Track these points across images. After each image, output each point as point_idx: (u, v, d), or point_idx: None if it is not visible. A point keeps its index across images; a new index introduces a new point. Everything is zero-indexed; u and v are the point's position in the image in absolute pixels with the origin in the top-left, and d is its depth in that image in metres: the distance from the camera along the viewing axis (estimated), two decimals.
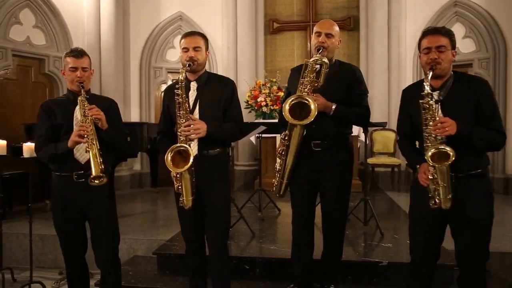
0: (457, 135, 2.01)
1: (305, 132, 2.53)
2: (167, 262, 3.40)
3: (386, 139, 6.86)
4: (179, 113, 2.37)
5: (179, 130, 2.37)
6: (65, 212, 2.51)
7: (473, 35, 6.62)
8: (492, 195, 2.20)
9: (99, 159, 2.32)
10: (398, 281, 3.00)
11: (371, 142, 6.84)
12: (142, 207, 5.67)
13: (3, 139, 3.67)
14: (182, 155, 2.29)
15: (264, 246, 3.56)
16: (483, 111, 2.11)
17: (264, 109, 6.76)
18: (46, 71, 6.24)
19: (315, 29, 2.66)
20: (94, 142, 2.34)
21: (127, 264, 3.57)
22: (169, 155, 2.28)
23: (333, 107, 2.54)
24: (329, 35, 2.61)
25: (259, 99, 6.77)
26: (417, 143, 2.34)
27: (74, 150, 2.43)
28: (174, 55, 7.47)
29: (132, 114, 7.28)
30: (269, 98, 6.74)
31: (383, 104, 6.95)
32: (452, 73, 2.19)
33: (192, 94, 2.49)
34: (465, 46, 6.59)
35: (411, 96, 2.29)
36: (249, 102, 6.88)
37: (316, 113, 2.40)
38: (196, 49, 2.44)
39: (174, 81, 2.51)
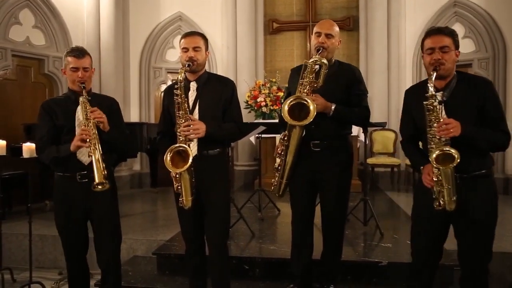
0: (462, 136, 2.00)
1: (304, 133, 2.53)
2: (166, 262, 3.39)
3: (385, 139, 6.86)
4: (179, 113, 2.36)
5: (178, 130, 2.37)
6: (68, 212, 2.50)
7: (472, 35, 6.63)
8: (497, 196, 2.18)
9: (102, 164, 2.31)
10: (398, 281, 3.00)
11: (371, 142, 6.84)
12: (141, 207, 5.67)
13: (2, 139, 3.67)
14: (181, 155, 2.29)
15: (263, 246, 3.56)
16: (488, 112, 2.09)
17: (264, 109, 6.77)
18: (46, 71, 6.25)
19: (315, 29, 2.66)
20: (97, 147, 2.33)
21: (126, 264, 3.56)
22: (168, 155, 2.28)
23: (333, 107, 2.54)
24: (329, 36, 2.60)
25: (258, 99, 6.77)
26: (420, 143, 2.33)
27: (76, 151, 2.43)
28: (174, 55, 7.47)
29: (132, 114, 7.29)
30: (269, 98, 6.74)
31: (383, 104, 6.95)
32: (455, 73, 2.17)
33: (192, 94, 2.49)
34: (465, 46, 6.59)
35: (414, 97, 2.28)
36: (249, 102, 6.88)
37: (315, 113, 2.40)
38: (195, 49, 2.44)
39: (173, 81, 2.51)
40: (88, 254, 2.66)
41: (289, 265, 2.88)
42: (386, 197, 5.93)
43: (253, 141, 6.50)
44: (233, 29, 7.39)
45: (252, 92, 6.89)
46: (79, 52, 2.46)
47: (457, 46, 2.15)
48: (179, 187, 2.35)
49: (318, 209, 2.76)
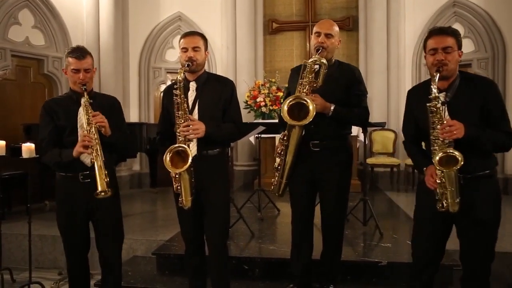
0: (465, 138, 1.99)
1: (304, 132, 2.53)
2: (166, 262, 3.39)
3: (385, 139, 6.86)
4: (178, 114, 2.36)
5: (178, 131, 2.36)
6: (70, 212, 2.50)
7: (472, 35, 6.63)
8: (500, 196, 2.17)
9: (104, 171, 2.31)
10: (398, 281, 3.01)
11: (370, 142, 6.85)
12: (141, 207, 5.67)
13: (2, 140, 3.67)
14: (181, 155, 2.29)
15: (263, 246, 3.56)
16: (491, 113, 2.08)
17: (263, 109, 6.77)
18: (45, 71, 6.24)
19: (314, 29, 2.66)
20: (99, 153, 2.33)
21: (126, 264, 3.56)
22: (167, 155, 2.28)
23: (332, 108, 2.54)
24: (328, 36, 2.60)
25: (258, 99, 6.77)
26: (423, 143, 2.32)
27: None
28: (173, 55, 7.47)
29: (131, 114, 7.28)
30: (268, 98, 6.74)
31: (382, 104, 6.95)
32: (458, 73, 2.15)
33: (191, 94, 2.49)
34: (464, 46, 6.43)
35: (416, 98, 2.27)
36: (248, 102, 6.88)
37: (314, 113, 2.40)
38: (195, 49, 2.44)
39: (173, 81, 2.50)
40: (88, 254, 2.66)
41: (288, 265, 2.88)
42: (386, 197, 5.94)
43: (253, 141, 6.50)
44: (232, 29, 7.39)
45: (252, 92, 6.89)
46: (80, 54, 2.44)
47: (460, 46, 2.13)
48: (178, 187, 2.35)
49: (317, 209, 2.76)
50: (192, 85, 2.50)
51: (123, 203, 2.72)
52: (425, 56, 2.19)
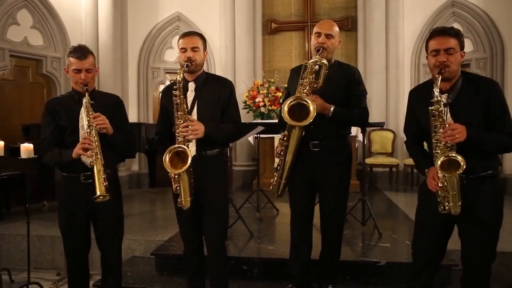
0: (467, 140, 1.98)
1: (303, 133, 2.53)
2: (165, 262, 3.39)
3: (384, 139, 6.87)
4: (177, 114, 2.36)
5: (177, 131, 2.36)
6: (72, 212, 2.50)
7: (470, 35, 6.64)
8: (502, 196, 2.16)
9: (103, 176, 2.32)
10: (396, 281, 3.01)
11: (369, 142, 6.84)
12: (140, 207, 5.67)
13: (0, 140, 3.67)
14: (180, 156, 2.29)
15: (262, 246, 3.56)
16: (493, 114, 2.06)
17: (262, 109, 6.76)
18: (44, 71, 6.23)
19: (315, 29, 2.66)
20: (99, 156, 2.33)
21: (125, 264, 3.54)
22: (167, 156, 2.27)
23: (332, 109, 2.54)
24: (329, 36, 2.60)
25: (257, 100, 6.77)
26: (425, 144, 2.31)
27: None
28: (172, 55, 7.46)
29: (130, 114, 7.25)
30: (267, 99, 6.74)
31: (381, 104, 6.95)
32: (460, 73, 2.13)
33: (190, 95, 2.48)
34: None
35: (417, 99, 2.26)
36: (247, 103, 6.88)
37: (315, 114, 2.40)
38: (194, 49, 2.43)
39: (172, 81, 2.50)
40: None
41: (287, 265, 2.87)
42: (385, 197, 5.94)
43: (252, 141, 6.50)
44: (231, 29, 7.39)
45: (251, 92, 6.89)
46: (81, 53, 2.43)
47: (462, 47, 2.10)
48: (177, 188, 2.35)
49: (316, 208, 2.76)
50: (191, 86, 2.49)
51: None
52: (426, 57, 2.17)
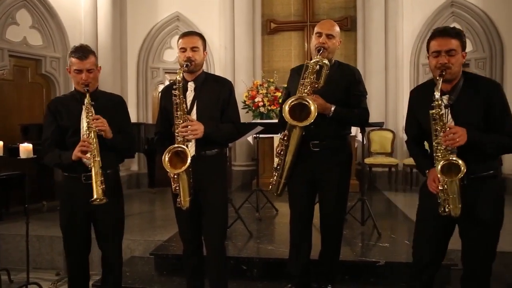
0: (468, 142, 1.97)
1: (304, 133, 2.53)
2: (164, 262, 3.39)
3: (383, 139, 6.87)
4: (177, 114, 2.36)
5: (176, 131, 2.36)
6: (72, 212, 2.50)
7: (469, 35, 6.64)
8: (503, 196, 2.15)
9: (100, 178, 2.31)
10: (396, 280, 3.01)
11: (368, 142, 6.85)
12: (139, 207, 5.66)
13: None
14: (180, 156, 2.29)
15: (261, 246, 3.56)
16: (494, 115, 2.05)
17: (262, 109, 6.76)
18: (43, 71, 6.22)
19: (315, 29, 2.65)
20: (97, 158, 2.33)
21: (124, 264, 3.50)
22: (166, 156, 2.27)
23: (332, 109, 2.54)
24: (330, 36, 2.60)
25: (256, 100, 6.77)
26: (426, 144, 2.31)
27: None
28: (172, 55, 7.46)
29: (130, 114, 7.24)
30: (267, 99, 6.74)
31: (380, 104, 6.96)
32: (462, 74, 2.12)
33: (190, 95, 2.48)
34: None
35: (418, 100, 2.26)
36: (247, 103, 6.88)
37: (316, 114, 2.40)
38: (193, 49, 2.43)
39: (171, 81, 2.50)
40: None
41: (287, 265, 2.87)
42: (384, 197, 5.94)
43: (251, 141, 6.50)
44: (230, 29, 7.39)
45: (250, 92, 6.89)
46: (82, 54, 2.42)
47: (464, 47, 2.08)
48: (177, 188, 2.35)
49: (316, 208, 2.76)
50: (191, 85, 2.49)
51: None
52: (428, 57, 2.16)
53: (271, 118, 6.67)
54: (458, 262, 2.66)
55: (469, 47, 6.60)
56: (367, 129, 5.96)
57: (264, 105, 6.74)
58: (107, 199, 2.34)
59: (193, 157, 2.34)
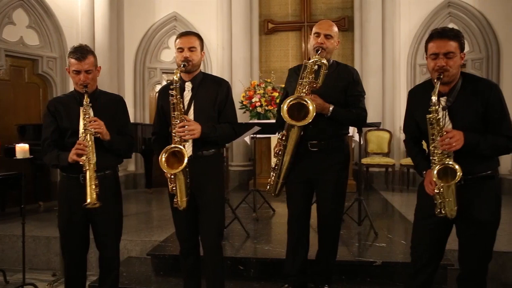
0: (465, 145, 1.97)
1: (302, 133, 2.53)
2: (161, 263, 3.39)
3: (380, 139, 6.88)
4: (174, 114, 2.35)
5: (173, 131, 2.36)
6: (71, 212, 2.49)
7: (466, 36, 6.65)
8: (500, 197, 2.15)
9: (94, 182, 2.31)
10: (392, 280, 3.02)
11: (365, 142, 6.86)
12: (136, 208, 5.65)
13: None
14: (177, 156, 2.28)
15: (258, 247, 3.56)
16: (492, 117, 2.05)
17: (259, 109, 6.77)
18: (40, 71, 6.20)
19: (314, 29, 2.66)
20: (92, 162, 2.32)
21: (121, 265, 3.50)
22: (163, 156, 2.27)
23: (331, 108, 2.54)
24: (328, 36, 2.61)
25: (253, 100, 6.78)
26: (424, 143, 2.30)
27: None
28: (169, 55, 7.46)
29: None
30: (264, 99, 6.75)
31: (378, 104, 6.97)
32: (460, 75, 2.11)
33: (187, 95, 2.48)
34: None
35: (416, 100, 2.26)
36: (244, 103, 6.88)
37: (314, 114, 2.40)
38: (191, 49, 2.43)
39: (168, 81, 2.49)
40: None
41: (284, 265, 2.87)
42: (381, 197, 5.95)
43: (248, 142, 6.50)
44: (228, 29, 7.40)
45: (247, 92, 6.90)
46: (80, 54, 2.40)
47: (462, 49, 2.08)
48: (174, 188, 2.34)
49: (313, 208, 2.76)
50: (188, 86, 2.49)
51: None
52: (426, 58, 2.15)
53: (268, 119, 6.68)
54: (455, 262, 2.68)
55: (466, 48, 6.59)
56: (364, 129, 5.97)
57: (261, 105, 6.74)
58: (101, 203, 2.34)
59: (190, 157, 2.33)
